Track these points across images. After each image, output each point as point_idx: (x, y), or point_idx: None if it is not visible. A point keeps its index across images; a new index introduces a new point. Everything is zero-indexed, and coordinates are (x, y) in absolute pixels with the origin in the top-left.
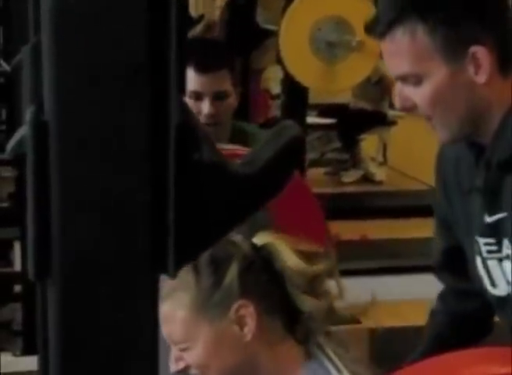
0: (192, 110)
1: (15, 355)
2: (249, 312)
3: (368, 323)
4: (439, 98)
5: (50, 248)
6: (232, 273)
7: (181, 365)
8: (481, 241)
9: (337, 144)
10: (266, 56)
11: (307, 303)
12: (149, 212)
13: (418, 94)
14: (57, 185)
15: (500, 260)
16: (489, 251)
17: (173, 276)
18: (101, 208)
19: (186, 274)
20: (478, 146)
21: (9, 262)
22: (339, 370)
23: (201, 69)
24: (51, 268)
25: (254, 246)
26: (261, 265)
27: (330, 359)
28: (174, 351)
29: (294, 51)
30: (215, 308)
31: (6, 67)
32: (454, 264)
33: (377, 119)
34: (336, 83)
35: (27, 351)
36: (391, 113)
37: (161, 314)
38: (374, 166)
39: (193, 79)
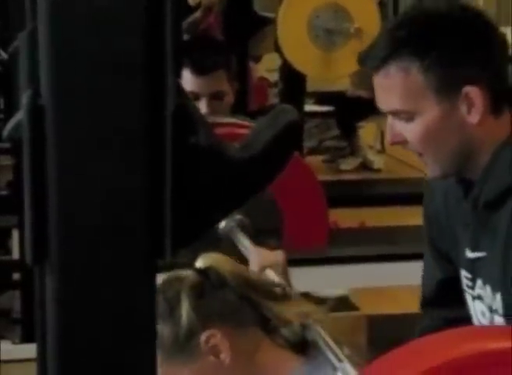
0: (188, 94)
1: (14, 342)
2: (218, 339)
3: (367, 310)
4: (431, 135)
5: (47, 233)
6: (185, 309)
7: None
8: (463, 273)
9: (335, 132)
10: (264, 44)
11: (273, 309)
12: (146, 197)
13: (409, 131)
14: (53, 169)
15: (473, 298)
16: (467, 286)
17: (170, 260)
18: (98, 192)
19: None
20: (467, 181)
21: (8, 251)
22: (339, 360)
23: (198, 71)
24: (49, 253)
25: (199, 271)
26: (213, 285)
27: (331, 348)
28: None
29: (292, 38)
30: (183, 350)
31: (4, 55)
32: (450, 295)
33: (375, 107)
34: (334, 71)
35: (26, 338)
36: None
37: None
38: (372, 153)
39: (189, 80)
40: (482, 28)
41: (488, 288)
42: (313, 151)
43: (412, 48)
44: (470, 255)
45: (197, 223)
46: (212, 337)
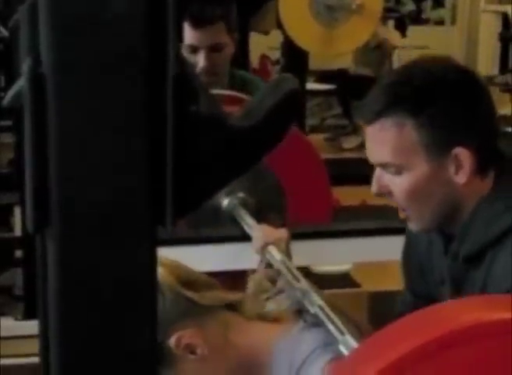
0: (189, 63)
1: (16, 319)
2: (187, 338)
3: (368, 286)
4: (416, 190)
5: (48, 199)
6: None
7: None
8: None
9: (337, 110)
10: (266, 20)
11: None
12: (147, 165)
13: (396, 184)
14: (54, 136)
15: None
16: None
17: (171, 227)
18: (99, 159)
19: None
20: (447, 236)
21: (10, 228)
22: (341, 332)
23: (196, 23)
24: (50, 220)
25: None
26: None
27: (333, 322)
28: None
29: (294, 15)
30: (161, 363)
31: (5, 33)
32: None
33: None
34: (336, 47)
35: (28, 315)
36: None
37: None
38: None
39: (188, 33)
40: (476, 92)
41: None
42: (315, 130)
43: (408, 106)
44: None
45: (198, 191)
46: (181, 338)
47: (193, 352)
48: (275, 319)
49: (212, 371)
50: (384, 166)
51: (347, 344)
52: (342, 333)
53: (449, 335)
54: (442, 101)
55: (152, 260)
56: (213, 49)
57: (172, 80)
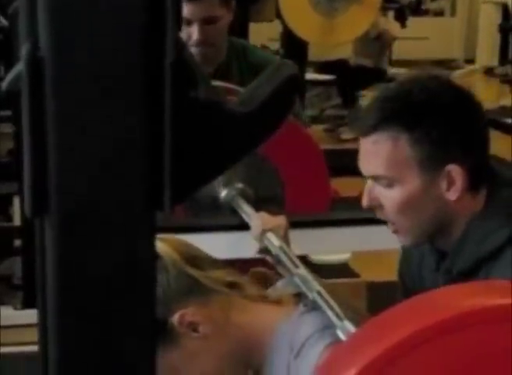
0: (189, 49)
1: (15, 308)
2: (190, 315)
3: (367, 276)
4: (407, 205)
5: (47, 185)
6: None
7: None
8: None
9: (336, 101)
10: (266, 10)
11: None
12: (145, 149)
13: (387, 197)
14: (53, 121)
15: None
16: None
17: (169, 212)
18: (98, 145)
19: None
20: (440, 252)
21: (9, 217)
22: (339, 317)
23: None
24: (48, 204)
25: None
26: (162, 271)
27: (331, 308)
28: None
29: (293, 4)
30: (164, 340)
31: (4, 22)
32: None
33: (376, 76)
34: (335, 37)
35: (27, 304)
36: (391, 70)
37: None
38: None
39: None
40: (471, 111)
41: None
42: (314, 120)
43: (403, 120)
44: None
45: (196, 177)
46: (184, 316)
47: (195, 330)
48: (277, 302)
49: (214, 349)
50: (376, 178)
51: (345, 329)
52: (340, 318)
53: (450, 320)
54: (437, 117)
55: (150, 244)
56: (206, 22)
57: (170, 65)
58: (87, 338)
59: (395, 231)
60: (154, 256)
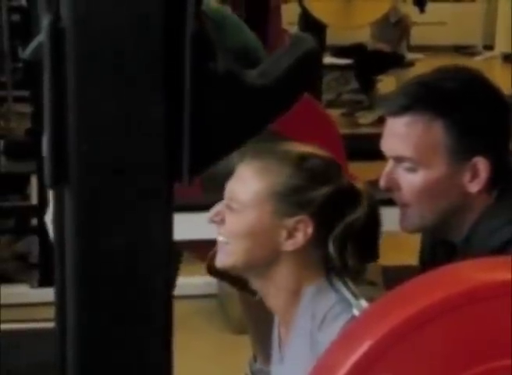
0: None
1: (32, 286)
2: (305, 225)
3: (382, 260)
4: (427, 190)
5: (67, 154)
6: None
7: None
8: None
9: (354, 85)
10: None
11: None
12: (165, 120)
13: (408, 181)
14: (73, 91)
15: None
16: None
17: (187, 183)
18: (117, 113)
19: None
20: (448, 244)
21: (26, 196)
22: (356, 296)
23: None
24: (68, 174)
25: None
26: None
27: (348, 286)
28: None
29: None
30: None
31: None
32: None
33: (394, 61)
34: (354, 20)
35: (43, 282)
36: (409, 55)
37: None
38: None
39: None
40: (502, 106)
41: None
42: (331, 105)
43: (439, 105)
44: None
45: (214, 149)
46: (303, 221)
47: (292, 237)
48: None
49: (275, 271)
50: (400, 159)
51: (361, 307)
52: (355, 296)
53: (461, 294)
54: (471, 106)
55: (167, 215)
56: None
57: (191, 35)
58: (105, 309)
59: (402, 214)
60: (171, 225)
